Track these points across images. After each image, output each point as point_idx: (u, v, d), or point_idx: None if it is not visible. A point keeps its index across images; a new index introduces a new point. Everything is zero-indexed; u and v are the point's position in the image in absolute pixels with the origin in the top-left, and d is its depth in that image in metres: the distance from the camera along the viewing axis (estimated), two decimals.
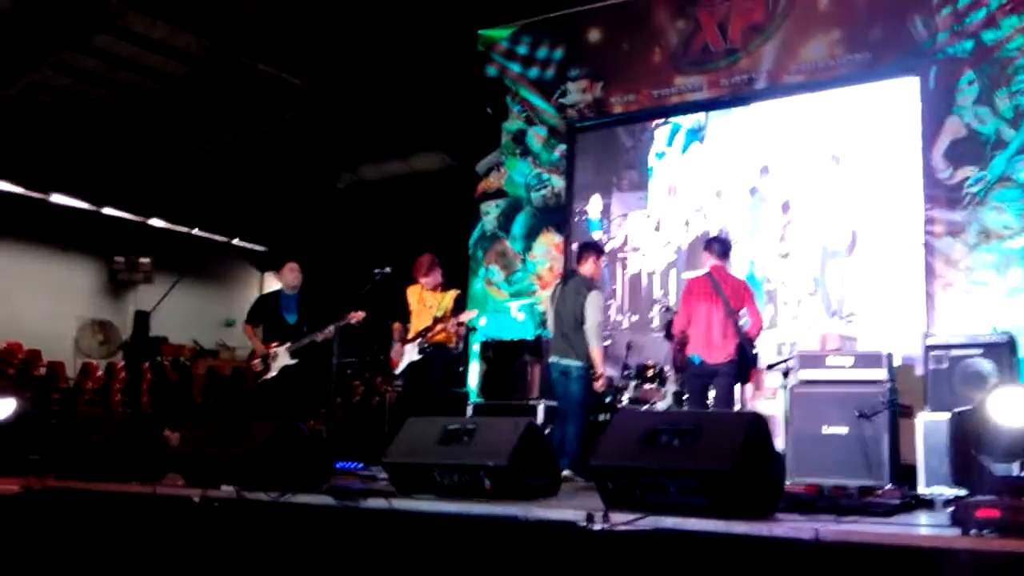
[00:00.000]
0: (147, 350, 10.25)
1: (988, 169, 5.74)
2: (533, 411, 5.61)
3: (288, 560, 3.01)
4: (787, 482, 3.72)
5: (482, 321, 6.73)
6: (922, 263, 5.90)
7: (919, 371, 4.94)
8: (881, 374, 4.51)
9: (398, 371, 5.39)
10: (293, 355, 5.37)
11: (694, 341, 4.86)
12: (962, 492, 3.37)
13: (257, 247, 11.88)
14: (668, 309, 5.94)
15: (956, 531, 2.36)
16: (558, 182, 7.74)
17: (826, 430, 4.49)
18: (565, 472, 4.22)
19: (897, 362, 4.82)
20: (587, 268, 5.08)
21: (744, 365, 4.83)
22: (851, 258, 6.28)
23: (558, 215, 7.70)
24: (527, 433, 3.17)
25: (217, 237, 11.41)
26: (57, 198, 9.94)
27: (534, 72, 7.94)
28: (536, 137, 7.88)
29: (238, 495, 3.18)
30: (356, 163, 10.44)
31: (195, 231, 11.12)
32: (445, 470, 3.13)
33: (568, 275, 5.32)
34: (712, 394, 4.86)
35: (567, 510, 2.73)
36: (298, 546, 3.02)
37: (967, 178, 5.81)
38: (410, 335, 5.34)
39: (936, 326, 5.60)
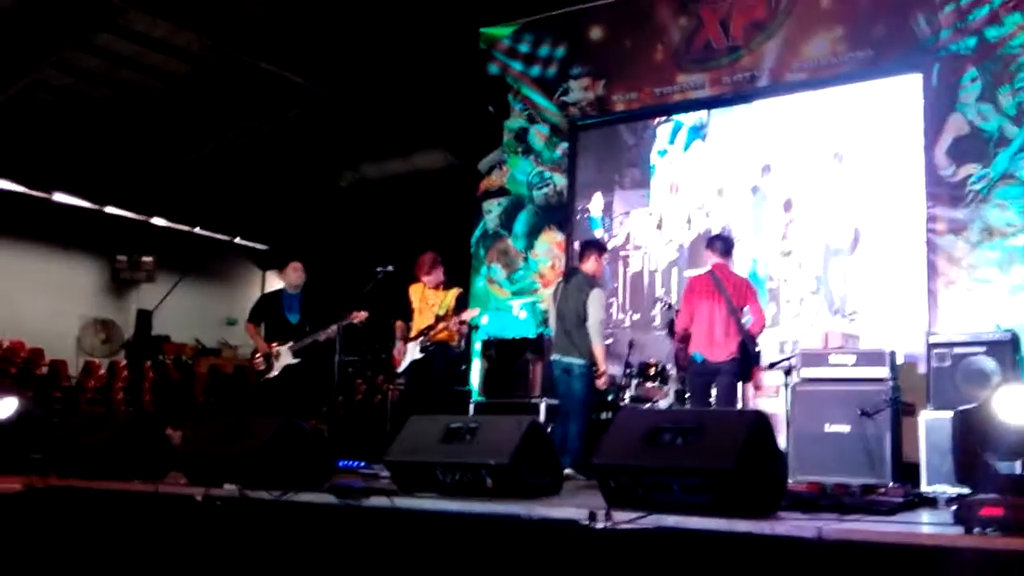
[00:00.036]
0: (149, 349, 10.27)
1: (991, 166, 5.72)
2: (535, 409, 5.61)
3: (290, 559, 3.01)
4: (789, 480, 3.71)
5: (484, 319, 6.74)
6: (924, 261, 5.89)
7: (921, 369, 4.93)
8: (883, 372, 4.49)
9: (400, 369, 5.39)
10: (295, 354, 5.37)
11: (696, 339, 4.85)
12: (965, 490, 3.36)
13: (259, 246, 11.89)
14: (670, 307, 5.94)
15: (959, 529, 2.35)
16: (560, 180, 7.73)
17: (828, 428, 4.47)
18: (567, 471, 4.22)
19: (899, 360, 4.81)
20: (589, 266, 5.08)
21: (746, 363, 4.82)
22: (854, 256, 6.26)
23: (560, 213, 7.69)
24: (529, 431, 3.17)
25: (219, 236, 11.42)
26: (59, 197, 9.95)
27: (536, 70, 7.93)
28: (538, 135, 7.88)
29: (240, 494, 3.18)
30: (358, 161, 10.44)
31: (197, 230, 11.13)
32: (447, 468, 3.13)
33: (570, 273, 5.31)
34: (714, 392, 4.86)
35: (569, 508, 2.73)
36: (300, 545, 3.03)
37: (970, 175, 5.79)
38: (412, 333, 5.35)
39: (939, 324, 5.58)
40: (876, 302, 6.07)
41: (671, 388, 5.51)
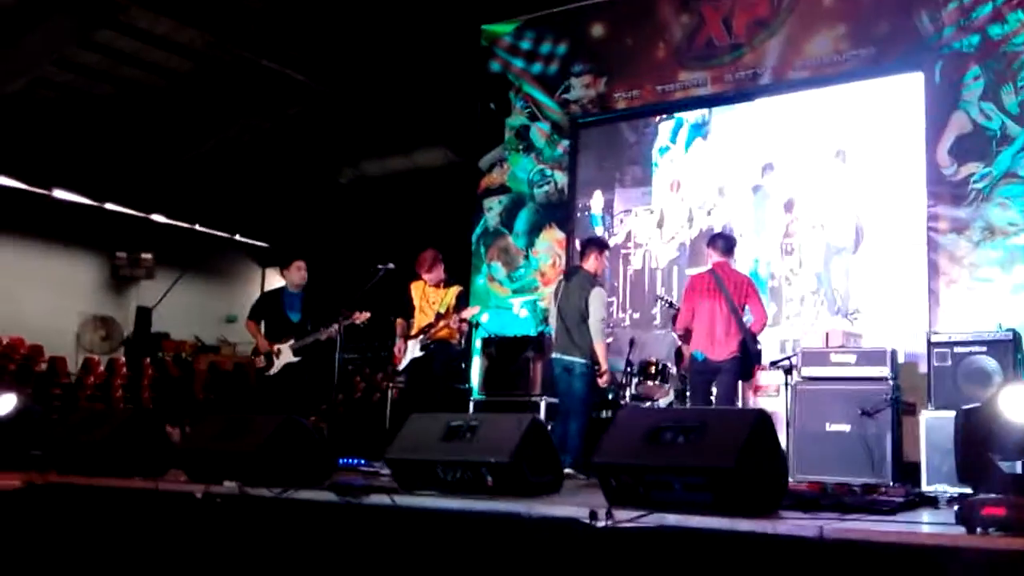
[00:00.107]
0: (149, 346, 10.26)
1: (993, 165, 5.71)
2: (535, 407, 5.60)
3: (291, 556, 3.00)
4: (789, 479, 3.70)
5: (484, 317, 6.72)
6: (926, 260, 5.88)
7: (922, 368, 4.92)
8: (884, 371, 4.49)
9: (401, 367, 5.38)
10: (296, 353, 5.37)
11: (697, 338, 4.84)
12: (966, 490, 3.35)
13: (259, 243, 11.88)
14: (671, 305, 5.93)
15: (961, 529, 2.34)
16: (561, 178, 7.72)
17: (829, 427, 4.48)
18: (567, 469, 4.21)
19: (901, 359, 4.80)
20: (591, 264, 5.06)
21: (747, 362, 4.81)
22: (856, 255, 6.25)
23: (561, 211, 7.68)
24: (530, 430, 3.16)
25: (219, 233, 11.41)
26: (59, 193, 9.94)
27: (537, 67, 7.91)
28: (539, 133, 7.86)
29: (240, 491, 3.17)
30: (359, 159, 10.43)
31: (197, 227, 11.12)
32: (448, 466, 3.13)
33: (571, 271, 5.30)
34: (715, 391, 4.85)
35: (570, 507, 2.72)
36: (301, 542, 3.02)
37: (972, 174, 5.78)
38: (413, 331, 5.34)
39: (940, 323, 5.57)
40: (877, 301, 6.06)
41: (671, 387, 5.51)
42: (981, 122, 5.79)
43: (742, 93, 6.88)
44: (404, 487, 3.20)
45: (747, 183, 6.85)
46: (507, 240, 7.92)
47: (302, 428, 3.57)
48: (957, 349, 4.34)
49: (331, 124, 9.81)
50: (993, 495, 2.40)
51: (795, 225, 6.57)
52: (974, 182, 5.77)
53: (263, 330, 5.54)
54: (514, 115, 8.02)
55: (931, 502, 3.52)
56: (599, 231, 7.38)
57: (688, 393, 5.10)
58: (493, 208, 8.05)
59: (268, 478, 3.18)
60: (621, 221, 7.44)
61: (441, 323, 5.21)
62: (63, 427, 4.18)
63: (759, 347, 4.92)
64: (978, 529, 2.26)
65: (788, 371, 4.89)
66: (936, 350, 4.39)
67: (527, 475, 3.08)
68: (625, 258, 7.36)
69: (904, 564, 2.24)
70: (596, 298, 4.89)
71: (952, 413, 4.01)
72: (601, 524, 2.54)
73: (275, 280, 11.20)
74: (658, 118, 7.35)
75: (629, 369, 5.66)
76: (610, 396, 5.52)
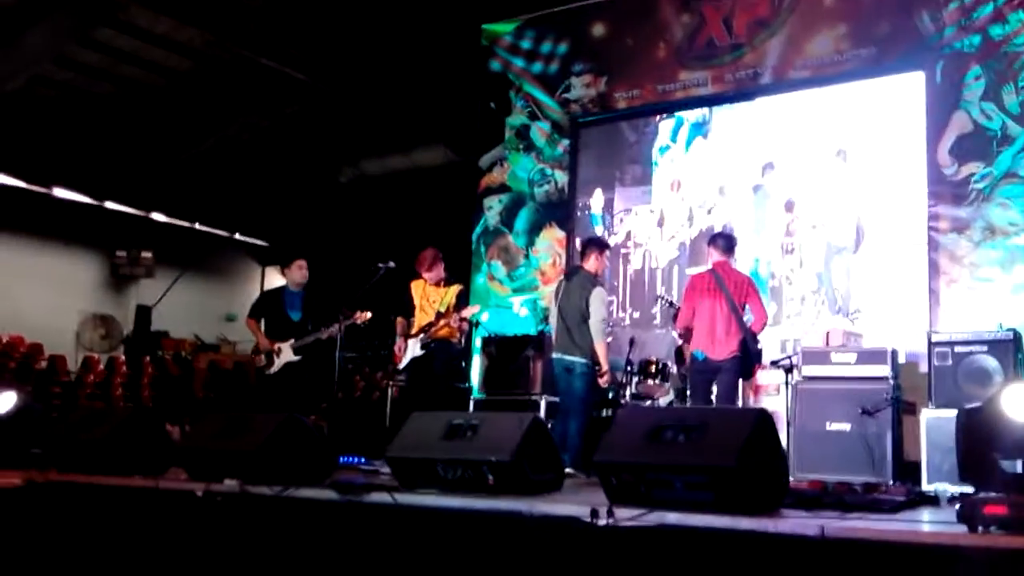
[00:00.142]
0: (148, 344, 10.25)
1: (994, 165, 5.71)
2: (535, 406, 5.60)
3: (292, 554, 3.00)
4: (790, 478, 3.70)
5: (484, 316, 6.72)
6: (926, 259, 5.88)
7: (922, 368, 4.93)
8: (885, 371, 4.50)
9: (401, 366, 5.38)
10: (296, 352, 5.37)
11: (697, 337, 4.84)
12: (966, 489, 3.35)
13: (259, 242, 11.87)
14: (671, 304, 5.93)
15: (963, 528, 2.34)
16: (561, 177, 7.72)
17: (829, 426, 4.48)
18: (567, 469, 4.21)
19: (901, 359, 4.81)
20: (591, 264, 5.06)
21: (748, 361, 4.82)
22: (856, 254, 6.25)
23: (561, 210, 7.68)
24: (532, 428, 3.15)
25: (219, 232, 11.40)
26: (59, 192, 9.93)
27: (538, 67, 7.91)
28: (539, 132, 7.86)
29: (241, 489, 3.17)
30: (358, 158, 10.42)
31: (197, 225, 11.11)
32: (449, 465, 3.12)
33: (572, 271, 5.30)
34: (715, 390, 4.85)
35: (571, 505, 2.71)
36: (301, 540, 3.02)
37: (973, 174, 5.78)
38: (413, 330, 5.34)
39: (940, 323, 5.58)
40: (878, 300, 6.07)
41: (671, 386, 5.51)
42: (982, 122, 5.79)
43: (743, 93, 6.89)
44: (405, 485, 3.20)
45: (747, 182, 6.85)
46: (507, 239, 7.92)
47: (303, 427, 3.56)
48: (958, 348, 4.34)
49: (331, 123, 9.81)
50: (995, 494, 2.39)
51: (795, 224, 6.57)
52: (975, 182, 5.77)
53: (263, 329, 5.54)
54: (514, 114, 8.02)
55: (932, 501, 3.52)
56: (599, 230, 7.38)
57: (688, 392, 5.10)
58: (493, 207, 8.04)
59: (269, 476, 3.18)
60: (621, 220, 7.44)
61: (441, 322, 5.22)
62: (63, 425, 4.17)
63: (759, 346, 4.92)
64: (980, 528, 2.26)
65: (788, 370, 4.89)
66: (937, 349, 4.40)
67: (528, 474, 3.08)
68: (625, 257, 7.36)
69: (906, 563, 2.24)
70: (597, 298, 4.89)
71: (952, 412, 4.01)
72: (602, 523, 2.54)
73: (275, 279, 11.21)
74: (658, 117, 7.35)
75: (629, 368, 5.66)
76: (610, 395, 5.51)
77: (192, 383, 9.41)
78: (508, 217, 7.95)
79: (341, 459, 4.94)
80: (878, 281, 6.11)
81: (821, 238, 6.45)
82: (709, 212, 6.99)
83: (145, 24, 8.21)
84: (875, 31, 6.31)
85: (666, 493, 2.66)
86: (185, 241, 11.08)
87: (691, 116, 7.20)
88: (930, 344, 4.47)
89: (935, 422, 4.23)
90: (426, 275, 5.40)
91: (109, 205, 10.34)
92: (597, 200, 7.56)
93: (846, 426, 4.44)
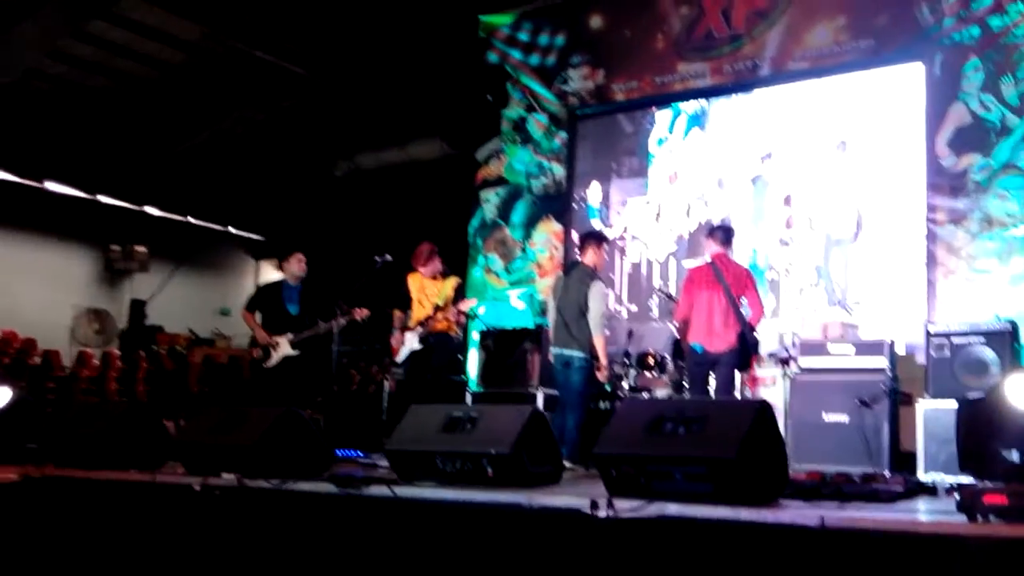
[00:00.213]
0: (143, 339, 10.21)
1: (992, 156, 5.72)
2: (532, 399, 5.60)
3: (291, 548, 2.99)
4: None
5: (481, 310, 6.71)
6: (924, 251, 5.89)
7: (920, 359, 4.95)
8: (882, 362, 4.51)
9: (399, 359, 5.37)
10: (294, 346, 5.35)
11: (695, 329, 4.84)
12: (963, 479, 3.36)
13: (253, 236, 11.82)
14: (670, 297, 5.92)
15: (962, 518, 2.34)
16: (558, 170, 7.70)
17: (827, 418, 4.50)
18: (565, 462, 4.20)
19: (899, 350, 4.82)
20: (589, 258, 5.05)
21: (745, 353, 4.82)
22: (855, 245, 6.26)
23: (558, 203, 7.66)
24: (531, 421, 3.15)
25: (213, 225, 11.34)
26: (52, 186, 9.86)
27: (535, 59, 7.88)
28: (537, 125, 7.84)
29: (239, 483, 3.16)
30: (354, 151, 10.37)
31: (191, 219, 11.05)
32: (448, 457, 3.12)
33: (571, 266, 5.29)
34: (713, 382, 4.85)
35: (571, 497, 2.71)
36: (300, 534, 3.01)
37: (971, 165, 5.79)
38: (411, 323, 5.33)
39: (937, 314, 5.60)
40: (875, 292, 6.08)
41: (669, 378, 5.51)
42: (981, 113, 5.79)
43: (741, 84, 6.87)
44: (404, 478, 3.19)
45: (746, 174, 6.84)
46: (504, 232, 7.89)
47: (300, 420, 3.55)
48: (955, 340, 4.35)
49: (326, 116, 9.75)
50: (995, 484, 2.40)
51: (794, 217, 6.57)
52: (973, 173, 5.78)
53: (260, 322, 5.51)
54: (511, 107, 7.99)
55: (930, 491, 3.53)
56: (596, 223, 7.37)
57: (686, 384, 5.11)
58: (490, 200, 8.02)
59: (267, 470, 3.17)
60: (618, 213, 7.43)
61: (439, 315, 5.21)
62: (60, 420, 4.15)
63: (757, 338, 4.92)
64: (979, 518, 2.26)
65: (786, 362, 4.89)
66: (934, 341, 4.41)
67: (527, 466, 3.08)
68: (622, 250, 7.35)
69: (906, 552, 2.24)
70: (596, 292, 4.87)
71: (949, 404, 4.03)
72: (602, 514, 2.54)
73: (269, 273, 11.17)
74: (655, 108, 7.33)
75: (627, 361, 5.66)
76: (608, 388, 5.51)
77: (187, 378, 9.37)
78: (505, 210, 7.93)
79: (338, 453, 4.93)
80: (876, 273, 6.12)
81: (820, 230, 6.45)
82: (707, 204, 6.99)
83: (139, 17, 8.14)
84: (874, 22, 6.30)
85: (666, 485, 2.65)
86: (179, 235, 11.02)
87: (689, 107, 7.18)
88: (927, 335, 4.48)
89: (932, 413, 4.25)
90: (422, 269, 5.39)
91: (103, 199, 10.26)
92: (594, 193, 7.55)
93: (843, 417, 4.45)
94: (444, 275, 5.48)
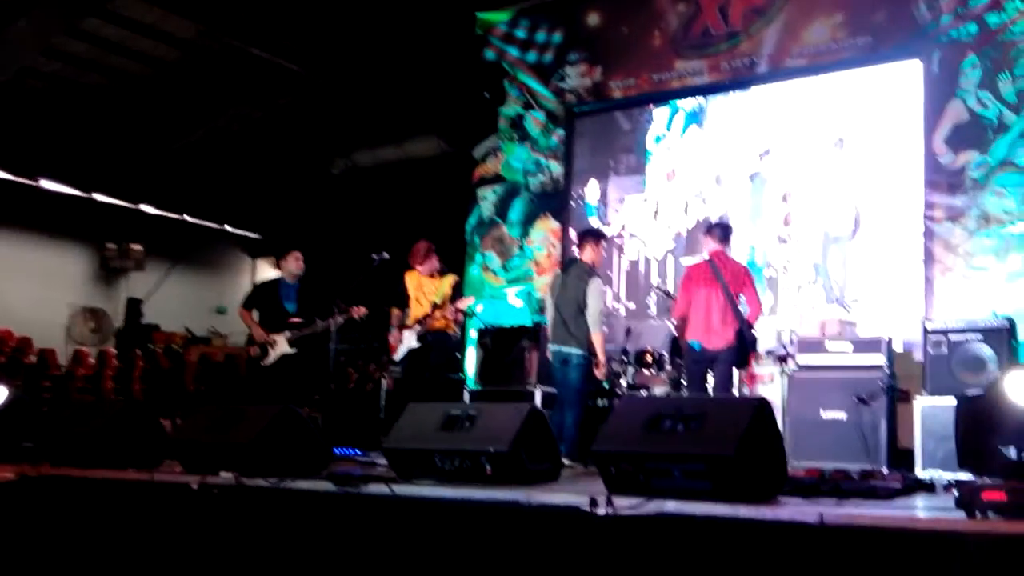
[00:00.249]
0: (139, 337, 10.17)
1: (990, 153, 5.72)
2: (530, 397, 5.59)
3: (289, 547, 2.98)
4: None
5: (479, 308, 6.70)
6: (922, 248, 5.89)
7: (916, 356, 4.95)
8: (880, 359, 4.51)
9: (397, 357, 5.36)
10: (292, 344, 5.33)
11: (693, 327, 4.84)
12: (961, 476, 3.36)
13: (250, 234, 11.79)
14: (668, 295, 5.92)
15: (961, 514, 2.35)
16: (556, 168, 7.69)
17: (824, 415, 4.50)
18: (563, 459, 4.20)
19: (896, 347, 4.83)
20: (587, 255, 5.04)
21: (743, 350, 4.82)
22: (853, 242, 6.27)
23: (556, 201, 7.66)
24: (529, 418, 3.15)
25: (209, 224, 11.30)
26: (47, 184, 9.81)
27: (532, 56, 7.86)
28: (534, 122, 7.82)
29: (237, 481, 3.15)
30: (350, 149, 10.34)
31: (187, 217, 11.01)
32: (446, 455, 3.11)
33: (569, 263, 5.28)
34: (711, 380, 4.85)
35: (570, 495, 2.71)
36: (299, 533, 3.00)
37: (968, 162, 5.80)
38: (409, 321, 5.32)
39: (935, 311, 5.61)
40: (873, 289, 6.08)
41: (667, 376, 5.51)
42: (978, 111, 5.80)
43: (738, 82, 6.87)
44: (402, 476, 3.19)
45: (743, 171, 6.84)
46: (501, 230, 7.89)
47: (298, 418, 3.54)
48: (953, 337, 4.35)
49: (322, 114, 9.72)
50: (994, 480, 2.40)
51: (792, 214, 6.57)
52: (970, 170, 5.78)
53: (257, 320, 5.49)
54: (509, 104, 7.97)
55: (928, 488, 3.54)
56: (594, 221, 7.36)
57: (684, 382, 5.11)
58: (487, 198, 8.01)
59: (264, 469, 3.16)
60: (616, 211, 7.42)
61: (437, 313, 5.20)
62: (56, 419, 4.13)
63: (755, 336, 4.92)
64: (978, 514, 2.27)
65: (784, 360, 4.90)
66: (932, 338, 4.41)
67: (526, 464, 3.07)
68: (620, 248, 7.35)
69: (905, 549, 2.24)
70: (594, 290, 4.87)
71: (947, 400, 4.04)
72: (601, 512, 2.53)
73: (265, 271, 11.14)
74: (652, 106, 7.32)
75: (625, 359, 5.66)
76: (606, 385, 5.52)
77: (183, 376, 9.35)
78: (502, 208, 7.91)
79: (336, 451, 4.92)
80: (874, 270, 6.13)
81: (818, 228, 6.45)
82: (705, 202, 6.98)
83: (134, 14, 8.10)
84: (871, 19, 6.30)
85: (665, 482, 2.65)
86: (175, 233, 10.98)
87: (687, 105, 7.18)
88: (925, 332, 4.48)
89: (930, 410, 4.25)
90: (419, 268, 5.39)
91: (98, 197, 10.22)
92: (592, 190, 7.54)
93: (841, 414, 4.46)
94: (442, 273, 5.47)
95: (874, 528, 2.32)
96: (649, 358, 5.59)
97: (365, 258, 5.38)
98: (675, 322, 5.18)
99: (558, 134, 7.71)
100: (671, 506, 2.51)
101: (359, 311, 5.26)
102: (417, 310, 5.32)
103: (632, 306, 7.21)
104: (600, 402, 5.39)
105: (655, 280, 6.96)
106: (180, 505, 3.18)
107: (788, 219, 6.58)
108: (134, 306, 10.58)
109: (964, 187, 5.79)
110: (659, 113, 7.30)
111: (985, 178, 5.73)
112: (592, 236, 5.19)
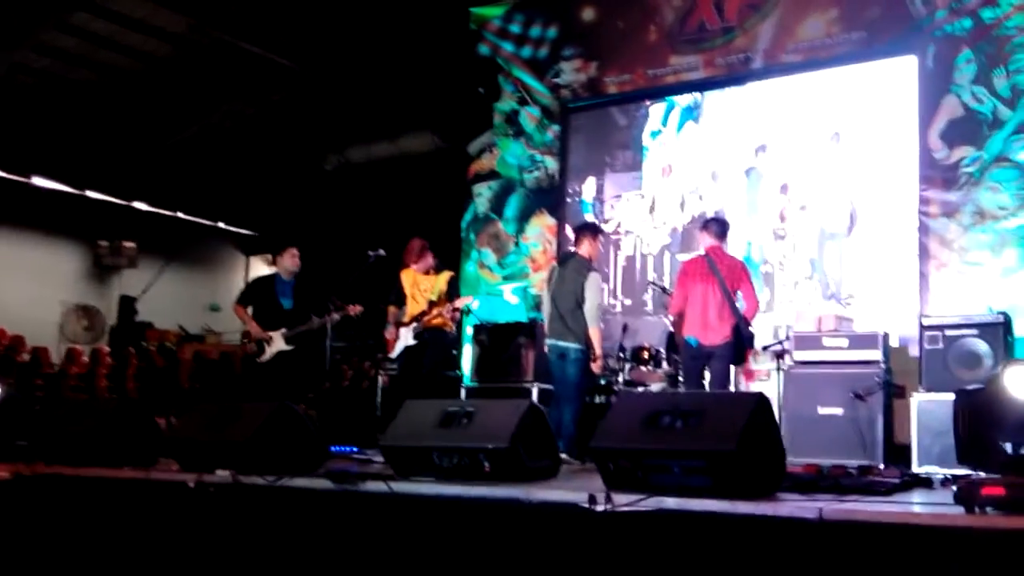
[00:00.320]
0: (133, 335, 10.11)
1: (984, 149, 5.74)
2: (527, 394, 5.58)
3: (287, 544, 2.97)
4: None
5: (475, 304, 6.69)
6: (917, 244, 5.91)
7: (912, 352, 4.96)
8: (876, 355, 4.52)
9: (394, 355, 5.35)
10: (288, 341, 5.31)
11: (690, 323, 4.83)
12: (957, 471, 3.38)
13: (243, 231, 11.73)
14: (664, 291, 5.92)
15: (960, 509, 2.35)
16: (551, 164, 7.67)
17: (821, 411, 4.50)
18: (562, 455, 4.19)
19: (892, 343, 4.84)
20: (585, 249, 5.03)
21: (740, 346, 4.82)
22: (849, 238, 6.28)
23: (551, 197, 7.64)
24: (528, 415, 3.13)
25: (202, 220, 11.24)
26: (39, 181, 9.73)
27: (527, 51, 7.83)
28: (529, 118, 7.80)
29: (234, 479, 3.13)
30: (344, 145, 10.29)
31: (180, 214, 10.94)
32: (444, 453, 3.10)
33: (566, 257, 5.27)
34: (708, 376, 4.85)
35: (569, 492, 2.70)
36: (297, 530, 2.98)
37: (963, 158, 5.81)
38: (405, 319, 5.30)
39: (930, 307, 5.62)
40: (869, 285, 6.10)
41: (664, 372, 5.51)
42: (973, 106, 5.81)
43: (734, 77, 6.86)
44: (400, 474, 3.17)
45: (740, 166, 6.84)
46: (497, 226, 7.87)
47: (295, 416, 3.52)
48: (948, 332, 4.35)
49: (315, 109, 9.67)
50: (992, 475, 2.40)
51: (788, 210, 6.58)
52: (965, 166, 5.80)
53: (252, 316, 5.46)
54: (503, 99, 7.94)
55: (926, 483, 3.55)
56: (590, 217, 7.35)
57: (681, 378, 5.11)
58: (483, 194, 7.99)
59: (261, 466, 3.14)
60: (612, 207, 7.41)
61: (435, 311, 5.19)
62: (50, 417, 4.10)
63: (751, 331, 4.92)
64: (977, 509, 2.27)
65: (780, 355, 4.90)
66: (928, 333, 4.41)
67: (524, 460, 3.06)
68: (616, 244, 7.34)
69: (904, 544, 2.25)
70: (592, 284, 4.86)
71: (943, 396, 4.04)
72: (600, 508, 2.53)
73: (259, 269, 11.09)
74: (648, 101, 7.31)
75: (622, 355, 5.66)
76: (603, 382, 5.51)
77: (178, 374, 9.30)
78: (498, 204, 7.89)
79: (332, 448, 4.90)
80: (870, 266, 6.14)
81: (814, 223, 6.46)
82: (701, 198, 6.98)
83: (124, 8, 8.03)
84: (866, 14, 6.30)
85: (664, 478, 2.65)
86: (168, 230, 10.92)
87: (683, 100, 7.17)
88: (921, 328, 4.49)
89: (926, 405, 4.26)
90: (414, 266, 5.38)
91: (90, 194, 10.15)
92: (588, 187, 7.53)
93: (838, 410, 4.46)
94: (437, 270, 5.46)
95: (874, 524, 2.32)
96: (645, 354, 5.58)
97: (360, 255, 5.36)
98: (671, 318, 5.17)
99: (553, 130, 7.69)
100: (670, 502, 2.51)
101: (355, 309, 5.24)
102: (413, 307, 5.30)
103: (628, 302, 7.21)
104: (598, 398, 5.39)
105: (651, 276, 6.95)
106: (176, 504, 3.17)
107: (784, 215, 6.58)
108: (127, 304, 10.51)
109: (959, 182, 5.80)
110: (655, 109, 7.29)
111: (980, 173, 5.74)
112: (589, 230, 5.18)
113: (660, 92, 7.22)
